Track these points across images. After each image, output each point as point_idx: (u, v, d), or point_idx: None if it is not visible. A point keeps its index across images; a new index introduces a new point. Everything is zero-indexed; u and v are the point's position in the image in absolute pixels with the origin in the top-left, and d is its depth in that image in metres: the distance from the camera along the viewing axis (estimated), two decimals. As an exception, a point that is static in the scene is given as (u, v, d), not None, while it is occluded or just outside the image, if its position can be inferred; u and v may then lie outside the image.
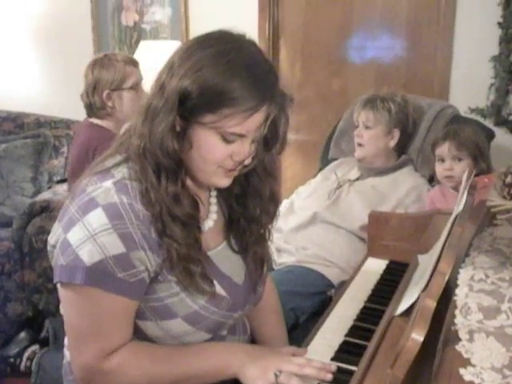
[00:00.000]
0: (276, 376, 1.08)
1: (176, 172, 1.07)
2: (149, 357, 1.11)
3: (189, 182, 1.13)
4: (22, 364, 2.32)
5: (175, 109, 1.03)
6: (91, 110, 2.28)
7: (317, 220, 2.22)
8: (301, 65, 3.20)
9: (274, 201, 1.25)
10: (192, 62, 1.03)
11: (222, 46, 1.04)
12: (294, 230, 2.24)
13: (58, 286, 1.10)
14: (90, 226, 1.02)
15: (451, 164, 2.02)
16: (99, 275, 1.02)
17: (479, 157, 2.01)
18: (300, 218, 2.26)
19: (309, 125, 3.17)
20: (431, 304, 0.86)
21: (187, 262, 1.09)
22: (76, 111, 2.67)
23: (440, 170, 2.06)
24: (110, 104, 2.25)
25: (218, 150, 1.07)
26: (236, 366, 1.11)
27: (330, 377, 1.09)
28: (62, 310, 1.14)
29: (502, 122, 2.60)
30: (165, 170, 1.06)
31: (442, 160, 2.04)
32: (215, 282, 1.15)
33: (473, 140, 2.02)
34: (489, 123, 2.52)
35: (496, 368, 0.87)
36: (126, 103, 2.27)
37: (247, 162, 1.12)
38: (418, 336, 0.81)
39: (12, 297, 2.68)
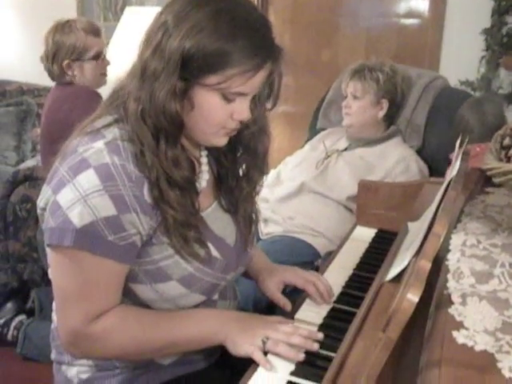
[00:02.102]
0: (263, 342, 1.08)
1: (176, 135, 1.05)
2: (136, 321, 1.10)
3: (184, 143, 1.11)
4: (9, 333, 2.33)
5: (177, 71, 1.00)
6: (52, 75, 2.23)
7: (304, 190, 2.22)
8: (290, 35, 3.16)
9: (266, 157, 1.24)
10: (191, 22, 0.99)
11: (218, 5, 1.01)
12: (281, 200, 2.23)
13: (48, 249, 1.08)
14: (81, 187, 1.00)
15: None
16: (89, 238, 1.00)
17: None
18: (287, 188, 2.25)
19: (297, 96, 3.15)
20: (426, 265, 0.85)
21: (184, 227, 1.07)
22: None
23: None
24: (69, 73, 2.20)
25: (220, 110, 1.05)
26: (224, 333, 1.10)
27: (316, 346, 1.09)
28: (50, 274, 1.12)
29: (491, 95, 2.60)
30: (164, 133, 1.04)
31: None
32: (209, 245, 1.14)
33: None
34: (478, 96, 2.52)
35: (489, 331, 0.87)
36: (87, 74, 2.22)
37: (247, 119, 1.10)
38: (413, 296, 0.80)
39: (-4, 267, 2.65)
